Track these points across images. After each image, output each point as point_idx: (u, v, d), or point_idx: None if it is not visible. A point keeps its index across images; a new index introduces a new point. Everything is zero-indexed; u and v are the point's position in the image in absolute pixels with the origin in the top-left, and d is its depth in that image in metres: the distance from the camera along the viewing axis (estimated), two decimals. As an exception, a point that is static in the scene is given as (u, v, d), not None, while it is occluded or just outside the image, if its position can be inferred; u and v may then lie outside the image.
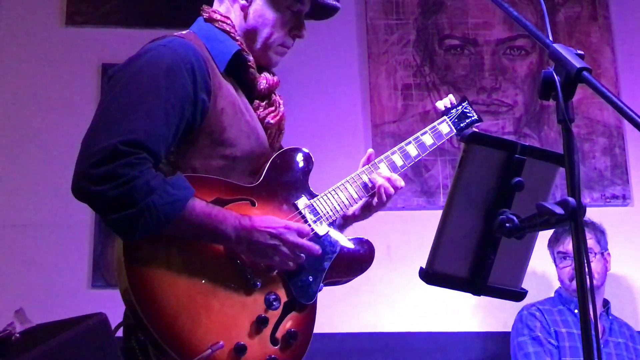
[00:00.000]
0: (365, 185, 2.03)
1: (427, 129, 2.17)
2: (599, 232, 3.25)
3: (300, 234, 1.81)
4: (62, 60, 3.66)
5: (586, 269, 1.22)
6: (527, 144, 1.42)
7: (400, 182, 2.05)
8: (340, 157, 3.50)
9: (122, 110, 1.68)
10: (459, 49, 3.82)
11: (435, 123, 2.19)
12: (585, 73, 1.27)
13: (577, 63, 1.27)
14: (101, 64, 3.62)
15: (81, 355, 1.49)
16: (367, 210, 2.08)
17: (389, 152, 2.10)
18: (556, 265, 3.26)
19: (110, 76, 1.79)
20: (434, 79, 3.77)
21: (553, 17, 3.86)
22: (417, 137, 2.14)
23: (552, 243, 3.27)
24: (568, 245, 3.17)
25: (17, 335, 1.57)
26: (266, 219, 1.78)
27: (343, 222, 2.12)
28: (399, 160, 2.09)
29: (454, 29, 3.84)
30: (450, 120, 2.20)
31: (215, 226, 1.70)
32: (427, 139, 2.14)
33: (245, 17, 1.94)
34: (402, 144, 2.13)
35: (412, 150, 2.12)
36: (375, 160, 2.09)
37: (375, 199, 2.04)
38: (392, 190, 2.03)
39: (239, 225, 1.73)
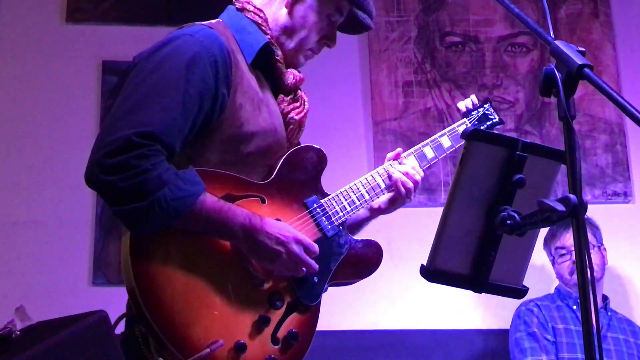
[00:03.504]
0: (377, 186, 2.03)
1: (445, 130, 2.15)
2: (594, 227, 3.26)
3: (307, 250, 1.79)
4: (63, 58, 3.65)
5: (587, 265, 1.22)
6: (528, 141, 1.42)
7: (418, 176, 2.07)
8: (341, 154, 3.50)
9: (140, 101, 1.68)
10: (460, 46, 3.81)
11: (454, 125, 2.17)
12: (586, 70, 1.26)
13: (578, 60, 1.27)
14: (101, 61, 3.62)
15: (82, 352, 1.49)
16: (392, 204, 2.10)
17: (404, 154, 2.10)
18: (553, 262, 3.26)
19: (134, 64, 1.78)
20: (435, 76, 3.76)
21: (554, 14, 3.85)
22: (435, 138, 2.13)
23: (549, 240, 3.27)
24: (566, 240, 3.18)
25: (18, 332, 1.57)
26: (278, 224, 1.77)
27: (370, 215, 2.13)
28: (414, 163, 2.09)
29: (455, 25, 3.83)
30: (470, 122, 2.18)
31: (224, 223, 1.69)
32: (445, 141, 2.13)
33: (290, 14, 1.93)
34: (419, 145, 2.12)
35: (429, 152, 2.12)
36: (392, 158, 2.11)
37: (397, 194, 2.06)
38: (410, 184, 2.04)
39: (248, 224, 1.71)
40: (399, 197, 2.07)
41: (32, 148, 3.53)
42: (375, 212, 2.13)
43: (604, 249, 3.27)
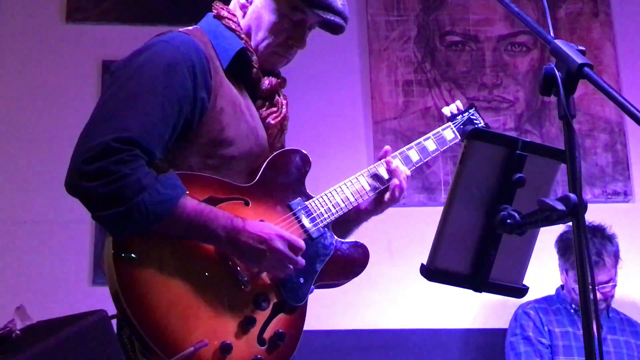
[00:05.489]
0: (362, 188, 2.02)
1: (430, 134, 2.15)
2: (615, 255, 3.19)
3: (292, 246, 1.77)
4: (63, 57, 3.66)
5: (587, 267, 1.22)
6: (528, 140, 1.42)
7: (404, 175, 2.03)
8: (341, 153, 3.51)
9: (118, 107, 1.68)
10: (460, 45, 3.81)
11: (439, 129, 2.17)
12: (586, 69, 1.26)
13: (578, 59, 1.27)
14: (101, 61, 3.62)
15: (82, 352, 1.49)
16: (379, 205, 2.07)
17: (389, 157, 2.08)
18: (567, 274, 3.17)
19: (112, 72, 1.79)
20: (435, 75, 3.76)
21: (554, 13, 3.85)
22: (420, 142, 2.12)
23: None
24: (605, 274, 3.12)
25: (18, 332, 1.57)
26: (260, 223, 1.77)
27: (357, 218, 2.09)
28: (399, 165, 2.07)
29: (455, 25, 3.83)
30: (455, 126, 2.18)
31: (206, 225, 1.69)
32: (430, 145, 2.12)
33: (244, 16, 1.93)
34: (404, 148, 2.11)
35: (414, 155, 2.10)
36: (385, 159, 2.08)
37: (387, 195, 2.03)
38: (404, 184, 2.02)
39: (230, 226, 1.71)
40: (392, 198, 2.03)
41: (32, 148, 3.53)
42: (362, 215, 2.09)
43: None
